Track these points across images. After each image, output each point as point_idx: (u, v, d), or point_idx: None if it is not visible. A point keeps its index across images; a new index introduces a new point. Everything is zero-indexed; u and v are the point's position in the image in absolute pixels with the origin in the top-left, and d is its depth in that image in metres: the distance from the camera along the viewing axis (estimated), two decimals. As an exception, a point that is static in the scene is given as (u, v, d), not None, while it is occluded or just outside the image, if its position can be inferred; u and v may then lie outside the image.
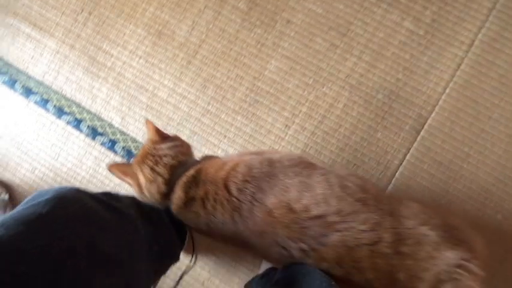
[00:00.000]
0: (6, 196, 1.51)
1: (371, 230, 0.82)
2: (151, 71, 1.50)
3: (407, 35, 1.39)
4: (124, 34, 1.52)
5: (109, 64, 1.52)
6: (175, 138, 1.09)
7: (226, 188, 0.91)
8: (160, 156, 1.01)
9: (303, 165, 0.96)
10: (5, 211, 1.48)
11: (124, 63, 1.51)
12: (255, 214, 0.87)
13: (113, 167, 1.03)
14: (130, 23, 1.52)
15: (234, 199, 0.89)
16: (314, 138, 1.40)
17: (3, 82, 1.56)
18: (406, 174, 1.35)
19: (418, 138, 1.36)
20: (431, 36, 1.38)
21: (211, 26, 1.48)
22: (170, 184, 0.98)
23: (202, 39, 1.48)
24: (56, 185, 1.52)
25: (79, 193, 0.81)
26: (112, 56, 1.52)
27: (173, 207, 0.99)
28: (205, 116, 1.46)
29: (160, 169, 0.99)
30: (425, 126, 1.36)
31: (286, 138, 1.42)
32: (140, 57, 1.51)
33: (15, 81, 1.56)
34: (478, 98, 1.34)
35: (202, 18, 1.48)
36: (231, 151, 1.44)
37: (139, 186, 1.01)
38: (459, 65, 1.36)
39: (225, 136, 1.45)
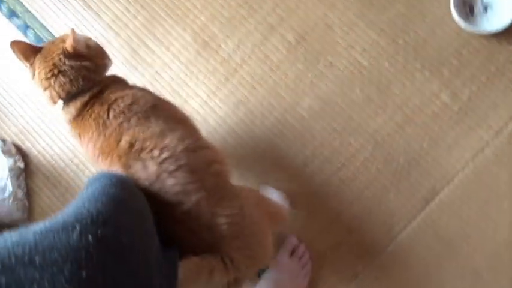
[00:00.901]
0: (22, 164, 1.54)
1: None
2: (188, 78, 1.52)
3: (441, 107, 1.42)
4: (170, 35, 1.54)
5: (149, 60, 1.54)
6: (88, 57, 1.04)
7: (107, 111, 0.99)
8: (61, 72, 1.01)
9: (180, 122, 1.04)
10: (18, 179, 1.52)
11: (164, 63, 1.54)
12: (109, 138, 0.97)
13: (16, 45, 1.04)
14: (179, 26, 1.54)
15: (107, 122, 0.98)
16: (328, 183, 1.44)
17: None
18: (407, 241, 1.40)
19: (427, 209, 1.41)
20: (464, 114, 1.41)
21: (256, 50, 1.50)
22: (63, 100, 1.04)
23: (245, 60, 1.50)
24: (72, 166, 1.55)
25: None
26: (154, 53, 1.55)
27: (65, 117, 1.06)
28: (230, 135, 1.50)
29: (55, 86, 1.01)
30: (436, 199, 1.40)
31: (303, 176, 1.46)
32: (181, 62, 1.53)
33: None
34: (493, 185, 1.39)
35: (249, 40, 1.51)
36: (249, 175, 1.48)
37: (33, 78, 1.05)
38: (483, 149, 1.40)
39: (244, 159, 1.48)
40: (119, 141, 0.95)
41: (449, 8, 1.39)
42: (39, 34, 1.59)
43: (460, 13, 1.39)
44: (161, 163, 0.91)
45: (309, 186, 1.46)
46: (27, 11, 1.61)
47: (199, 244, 0.90)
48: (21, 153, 1.57)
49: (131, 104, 1.00)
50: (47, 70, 1.01)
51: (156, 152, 0.92)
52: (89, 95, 1.02)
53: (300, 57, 1.48)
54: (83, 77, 1.02)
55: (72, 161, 1.55)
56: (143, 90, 1.11)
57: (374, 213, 1.43)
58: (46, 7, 1.60)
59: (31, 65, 1.04)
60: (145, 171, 0.91)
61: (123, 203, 0.73)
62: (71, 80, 1.01)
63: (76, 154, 1.56)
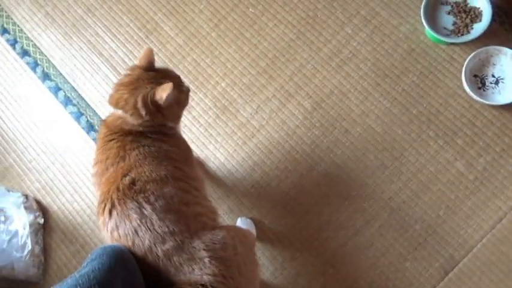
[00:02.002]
0: (41, 220, 1.57)
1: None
2: (207, 141, 1.58)
3: (456, 176, 1.43)
4: (192, 99, 1.61)
5: (170, 123, 1.61)
6: (158, 113, 1.09)
7: (133, 149, 1.07)
8: (132, 99, 1.07)
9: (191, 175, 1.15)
10: (36, 234, 1.54)
11: (185, 126, 1.60)
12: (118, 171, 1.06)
13: (150, 52, 1.11)
14: (200, 92, 1.62)
15: (126, 157, 1.07)
16: (344, 250, 1.43)
17: (71, 113, 1.67)
18: (426, 314, 1.35)
19: (446, 279, 1.37)
20: (480, 183, 1.42)
21: (273, 115, 1.56)
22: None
23: (263, 125, 1.56)
24: (90, 223, 1.58)
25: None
26: (175, 116, 1.61)
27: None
28: (246, 197, 1.52)
29: (117, 95, 1.09)
30: (455, 270, 1.37)
31: (318, 241, 1.45)
32: (201, 125, 1.59)
33: (81, 114, 1.66)
34: (513, 257, 1.36)
35: (267, 106, 1.57)
36: (263, 237, 1.47)
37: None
38: (501, 219, 1.39)
39: (260, 221, 1.49)
40: (124, 176, 1.01)
41: (461, 79, 1.45)
42: (69, 95, 1.69)
43: (472, 86, 1.44)
44: (154, 208, 0.98)
45: (325, 252, 1.44)
46: (60, 74, 1.71)
47: (180, 280, 0.94)
48: (42, 208, 1.61)
49: (154, 152, 1.07)
50: (128, 85, 1.07)
51: (152, 198, 0.99)
52: (130, 128, 1.08)
53: (316, 124, 1.53)
54: (137, 116, 1.07)
55: (90, 218, 1.58)
56: (180, 146, 1.18)
57: (391, 282, 1.40)
58: (76, 70, 1.71)
59: (132, 68, 1.11)
60: (138, 212, 0.97)
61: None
62: (128, 107, 1.07)
63: (94, 211, 1.59)
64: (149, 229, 0.96)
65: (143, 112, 1.05)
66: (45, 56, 1.74)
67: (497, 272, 1.36)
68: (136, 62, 1.12)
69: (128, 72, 1.10)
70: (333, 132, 1.52)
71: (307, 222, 1.47)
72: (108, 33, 1.71)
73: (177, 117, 1.18)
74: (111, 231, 1.00)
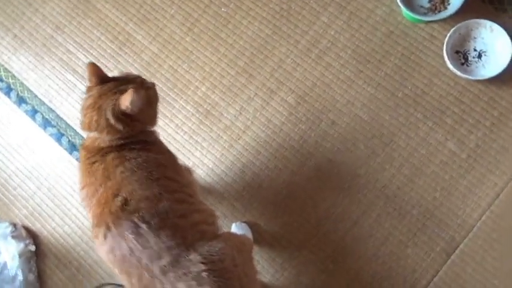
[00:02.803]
0: (33, 247, 1.53)
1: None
2: (193, 148, 1.54)
3: (449, 156, 1.40)
4: (173, 107, 1.58)
5: (154, 134, 1.57)
6: (133, 120, 1.05)
7: (118, 166, 1.03)
8: (100, 116, 1.03)
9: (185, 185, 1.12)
10: (29, 262, 1.50)
11: (168, 135, 1.56)
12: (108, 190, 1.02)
13: (92, 67, 1.06)
14: (181, 99, 1.58)
15: (112, 175, 1.03)
16: (343, 243, 1.40)
17: (51, 135, 1.63)
18: (432, 299, 1.33)
19: (448, 262, 1.35)
20: (473, 160, 1.39)
21: (258, 115, 1.52)
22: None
23: (248, 125, 1.52)
24: (83, 244, 1.54)
25: None
26: (158, 126, 1.57)
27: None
28: (238, 201, 1.49)
29: (87, 120, 1.05)
30: (457, 251, 1.35)
31: (317, 237, 1.42)
32: (185, 133, 1.55)
33: (62, 135, 1.62)
34: (514, 232, 1.34)
35: (250, 106, 1.53)
36: (259, 239, 1.44)
37: (83, 99, 1.07)
38: (498, 195, 1.36)
39: (255, 224, 1.46)
40: (115, 196, 0.98)
41: (443, 57, 1.42)
42: (47, 117, 1.64)
43: (455, 62, 1.41)
44: (149, 226, 0.95)
45: (324, 247, 1.41)
46: (35, 96, 1.67)
47: None
48: (32, 235, 1.57)
49: (142, 163, 1.03)
50: (93, 106, 1.02)
51: (147, 216, 0.95)
52: (109, 144, 1.04)
53: (301, 118, 1.50)
54: (114, 132, 1.03)
55: (82, 239, 1.54)
56: (163, 151, 1.15)
57: (394, 270, 1.37)
58: (52, 90, 1.66)
59: (89, 89, 1.06)
60: (134, 231, 0.94)
61: None
62: (101, 127, 1.02)
63: (85, 231, 1.55)
64: (145, 247, 0.93)
65: (120, 127, 1.01)
66: (18, 80, 1.69)
67: (500, 248, 1.33)
68: (88, 83, 1.07)
69: (87, 94, 1.05)
70: (320, 125, 1.49)
71: (304, 219, 1.44)
72: (80, 49, 1.66)
73: (154, 117, 1.13)
74: (107, 253, 0.97)
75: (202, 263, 0.93)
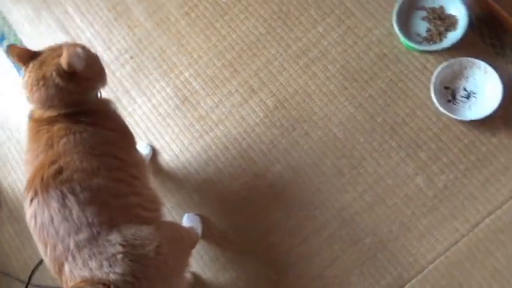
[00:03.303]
0: (-12, 195, 1.54)
1: None
2: (164, 131, 1.53)
3: (415, 191, 1.35)
4: (154, 87, 1.57)
5: (130, 109, 1.56)
6: (80, 78, 1.03)
7: (62, 137, 1.01)
8: (45, 86, 1.01)
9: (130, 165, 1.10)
10: (-19, 209, 1.51)
11: (143, 113, 1.55)
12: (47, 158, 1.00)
13: (13, 49, 1.04)
14: (163, 80, 1.57)
15: (55, 145, 1.01)
16: (287, 257, 1.37)
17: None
18: (364, 333, 1.28)
19: (390, 299, 1.30)
20: (439, 201, 1.34)
21: (234, 111, 1.50)
22: None
23: (222, 119, 1.50)
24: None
25: None
26: (136, 102, 1.57)
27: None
28: (196, 192, 1.46)
29: (35, 95, 1.02)
30: (402, 290, 1.30)
31: (262, 245, 1.39)
32: (160, 114, 1.54)
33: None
34: (464, 282, 1.27)
35: (229, 100, 1.51)
36: (206, 234, 1.42)
37: (23, 78, 1.04)
38: (457, 241, 1.31)
39: (207, 219, 1.43)
40: (52, 164, 0.96)
41: (431, 90, 1.37)
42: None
43: (441, 98, 1.36)
44: (77, 199, 0.93)
45: (269, 258, 1.38)
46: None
47: (83, 277, 0.89)
48: (-9, 184, 1.58)
49: (87, 138, 1.02)
50: (35, 79, 1.01)
51: (77, 189, 0.94)
52: (58, 113, 1.02)
53: (276, 123, 1.47)
54: (63, 98, 1.02)
55: (37, 199, 1.54)
56: (116, 128, 1.13)
57: (334, 296, 1.33)
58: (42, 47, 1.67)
59: (25, 68, 1.04)
60: (60, 201, 0.92)
61: None
62: (49, 97, 1.01)
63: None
64: (66, 219, 0.92)
65: (70, 85, 1.00)
66: (13, 30, 1.70)
67: (446, 297, 1.28)
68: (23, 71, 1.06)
69: (27, 74, 1.03)
70: (293, 133, 1.45)
71: (255, 224, 1.41)
72: (78, 12, 1.67)
73: (101, 75, 1.10)
74: (29, 218, 0.96)
75: (121, 245, 0.91)
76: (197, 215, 1.43)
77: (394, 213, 1.35)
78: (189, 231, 1.29)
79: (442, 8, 1.39)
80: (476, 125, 1.36)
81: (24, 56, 1.04)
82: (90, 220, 0.92)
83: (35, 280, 1.48)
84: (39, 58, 1.03)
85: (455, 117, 1.33)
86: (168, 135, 1.52)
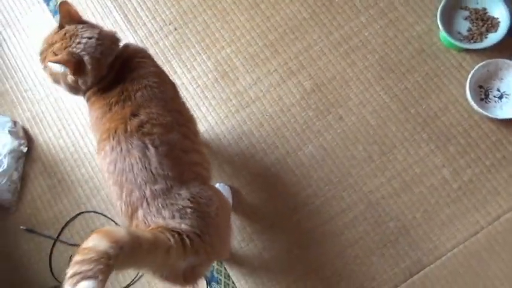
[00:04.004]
0: (25, 149, 1.58)
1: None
2: (201, 102, 1.57)
3: (441, 182, 1.41)
4: (195, 60, 1.61)
5: (169, 79, 1.60)
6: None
7: (137, 90, 1.05)
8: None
9: (189, 120, 1.15)
10: (17, 161, 1.55)
11: (182, 83, 1.59)
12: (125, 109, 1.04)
13: (65, 5, 1.06)
14: (204, 53, 1.61)
15: (132, 95, 1.05)
16: (312, 234, 1.42)
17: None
18: (382, 310, 1.34)
19: (409, 281, 1.35)
20: (463, 193, 1.39)
21: (271, 90, 1.55)
22: None
23: (259, 96, 1.55)
24: (71, 160, 1.58)
25: None
26: (176, 73, 1.61)
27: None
28: (228, 164, 1.51)
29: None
30: (421, 273, 1.36)
31: (290, 221, 1.44)
32: (198, 86, 1.59)
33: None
34: (481, 272, 1.34)
35: (267, 79, 1.56)
36: (236, 207, 1.47)
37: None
38: (477, 233, 1.37)
39: (237, 190, 1.48)
40: (134, 116, 1.00)
41: (465, 88, 1.42)
42: None
43: (475, 95, 1.42)
44: (157, 152, 0.97)
45: (296, 232, 1.43)
46: None
47: (158, 223, 0.93)
48: (28, 138, 1.62)
49: (158, 93, 1.06)
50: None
51: (157, 141, 0.98)
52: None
53: (312, 105, 1.52)
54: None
55: (72, 156, 1.59)
56: (168, 80, 1.17)
57: (354, 273, 1.38)
58: (88, 10, 1.71)
59: (60, 28, 1.07)
60: (141, 151, 0.97)
61: None
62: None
63: (77, 149, 1.59)
64: (145, 168, 0.96)
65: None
66: (61, -9, 1.74)
67: (462, 284, 1.34)
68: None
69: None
70: (327, 116, 1.50)
71: (283, 200, 1.46)
72: (126, -20, 1.70)
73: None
74: (109, 164, 0.99)
75: (190, 200, 0.96)
76: (228, 185, 1.48)
77: (419, 201, 1.40)
78: (227, 200, 1.34)
79: (485, 9, 1.45)
80: (505, 124, 1.41)
81: (70, 19, 1.07)
82: (166, 173, 0.96)
83: (63, 237, 1.53)
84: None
85: (487, 114, 1.39)
86: (205, 107, 1.57)
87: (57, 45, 1.03)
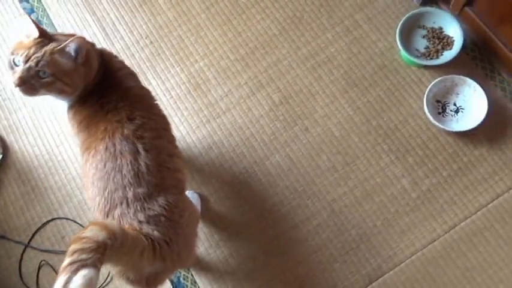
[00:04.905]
0: (0, 156, 1.61)
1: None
2: (174, 113, 1.63)
3: (400, 192, 1.47)
4: (169, 72, 1.67)
5: (144, 90, 1.66)
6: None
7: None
8: None
9: (167, 129, 1.17)
10: (-9, 167, 1.58)
11: (156, 94, 1.63)
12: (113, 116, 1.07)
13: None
14: (178, 66, 1.67)
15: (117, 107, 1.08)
16: (277, 241, 1.46)
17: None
18: (342, 315, 1.38)
19: (369, 287, 1.40)
20: (421, 202, 1.46)
21: (241, 101, 1.61)
22: None
23: (229, 108, 1.61)
24: (45, 168, 1.62)
25: None
26: (150, 84, 1.67)
27: None
28: (198, 172, 1.56)
29: None
30: (380, 280, 1.40)
31: (256, 227, 1.48)
32: (172, 97, 1.65)
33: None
34: (437, 278, 1.39)
35: (238, 91, 1.62)
36: (204, 213, 1.51)
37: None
38: (434, 240, 1.42)
39: (206, 198, 1.53)
40: (130, 120, 1.04)
41: (423, 102, 1.50)
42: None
43: (432, 109, 1.49)
44: (147, 156, 1.01)
45: (260, 239, 1.48)
46: (52, 24, 1.78)
47: (133, 225, 0.97)
48: (3, 145, 1.65)
49: (147, 99, 1.13)
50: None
51: (148, 145, 1.03)
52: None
53: (279, 117, 1.58)
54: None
55: (46, 164, 1.62)
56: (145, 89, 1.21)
57: (317, 279, 1.42)
58: (68, 23, 1.77)
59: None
60: (133, 155, 1.01)
61: None
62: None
63: (51, 157, 1.63)
64: (134, 170, 0.99)
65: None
66: (42, 5, 1.80)
67: (420, 290, 1.38)
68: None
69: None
70: (294, 128, 1.57)
71: (250, 207, 1.51)
72: (105, -5, 1.78)
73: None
74: (99, 161, 1.02)
75: (165, 208, 0.99)
76: (197, 193, 1.52)
77: (380, 210, 1.46)
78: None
79: (441, 28, 1.54)
80: (461, 137, 1.49)
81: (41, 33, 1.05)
82: (150, 178, 1.00)
83: (34, 243, 1.55)
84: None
85: (444, 127, 1.46)
86: (178, 117, 1.62)
87: (50, 47, 1.00)
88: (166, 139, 1.11)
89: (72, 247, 0.75)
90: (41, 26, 1.04)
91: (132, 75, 1.17)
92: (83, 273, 0.72)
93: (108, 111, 1.06)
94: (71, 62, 1.01)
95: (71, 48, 1.00)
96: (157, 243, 0.95)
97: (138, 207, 0.98)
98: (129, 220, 0.97)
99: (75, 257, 0.73)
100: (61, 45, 0.99)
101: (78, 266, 0.72)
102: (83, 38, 1.02)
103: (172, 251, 0.99)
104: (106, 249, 0.77)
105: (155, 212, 0.98)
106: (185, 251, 1.08)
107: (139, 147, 1.02)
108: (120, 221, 0.98)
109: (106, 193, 1.00)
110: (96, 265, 0.74)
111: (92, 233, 0.78)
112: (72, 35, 1.04)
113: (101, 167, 1.01)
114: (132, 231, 0.93)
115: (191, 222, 1.11)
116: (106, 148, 1.02)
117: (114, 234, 0.80)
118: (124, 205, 0.98)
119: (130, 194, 0.98)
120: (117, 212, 0.98)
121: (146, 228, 0.96)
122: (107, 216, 0.99)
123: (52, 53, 0.98)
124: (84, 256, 0.73)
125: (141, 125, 1.04)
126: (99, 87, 1.09)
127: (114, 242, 0.79)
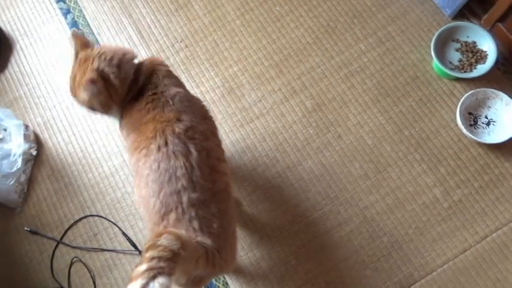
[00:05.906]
0: (35, 152, 1.63)
1: None
2: (208, 116, 1.65)
3: (432, 201, 1.49)
4: (203, 75, 1.70)
5: (178, 92, 1.69)
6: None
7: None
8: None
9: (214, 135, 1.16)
10: (26, 164, 1.60)
11: (190, 98, 1.68)
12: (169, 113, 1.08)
13: (78, 37, 1.09)
14: (213, 70, 1.70)
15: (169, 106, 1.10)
16: (309, 246, 1.48)
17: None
18: (374, 321, 1.39)
19: (400, 295, 1.41)
20: (453, 212, 1.47)
21: (275, 107, 1.64)
22: None
23: (263, 113, 1.64)
24: (79, 165, 1.64)
25: None
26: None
27: None
28: (232, 176, 1.58)
29: None
30: (411, 288, 1.42)
31: (288, 232, 1.50)
32: (206, 101, 1.67)
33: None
34: (469, 288, 1.40)
35: (271, 97, 1.65)
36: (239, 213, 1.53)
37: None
38: (465, 250, 1.44)
39: (238, 201, 1.54)
40: (179, 120, 1.05)
41: (455, 113, 1.52)
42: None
43: (464, 121, 1.52)
44: (198, 158, 1.01)
45: (293, 243, 1.49)
46: (88, 25, 1.81)
47: (188, 232, 0.96)
48: (38, 142, 1.67)
49: (189, 97, 1.15)
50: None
51: (199, 147, 1.03)
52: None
53: (312, 123, 1.61)
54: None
55: (80, 161, 1.64)
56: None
57: (348, 286, 1.43)
58: (104, 25, 1.80)
59: (77, 54, 1.11)
60: (185, 156, 1.01)
61: None
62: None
63: (85, 155, 1.65)
64: (188, 173, 0.99)
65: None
66: (79, 6, 1.84)
67: (451, 299, 1.40)
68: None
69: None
70: (327, 134, 1.59)
71: (283, 212, 1.52)
72: (142, -1, 1.82)
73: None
74: (153, 161, 1.01)
75: (216, 216, 1.00)
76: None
77: (412, 218, 1.48)
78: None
79: (474, 42, 1.57)
80: (492, 149, 1.51)
81: (84, 45, 1.11)
82: (203, 183, 1.00)
83: (66, 239, 1.56)
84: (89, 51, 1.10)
85: (476, 139, 1.49)
86: (211, 120, 1.65)
87: (78, 75, 1.08)
88: (215, 142, 1.12)
89: (150, 253, 0.77)
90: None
91: (177, 80, 1.19)
92: (161, 281, 0.74)
93: (156, 114, 1.07)
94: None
95: (85, 88, 1.05)
96: (210, 252, 0.96)
97: (193, 214, 0.98)
98: (185, 226, 0.97)
99: (153, 263, 0.75)
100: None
101: (155, 273, 0.74)
102: (90, 79, 1.03)
103: (222, 258, 1.00)
104: (180, 259, 0.79)
105: (208, 220, 0.99)
106: (231, 258, 1.09)
107: (191, 147, 1.02)
108: (175, 226, 0.98)
109: (161, 196, 0.99)
110: (171, 274, 0.76)
111: (168, 242, 0.79)
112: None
113: (155, 168, 1.01)
114: (191, 239, 0.94)
115: (235, 228, 1.12)
116: (159, 147, 1.02)
117: (185, 244, 0.82)
118: (180, 210, 0.98)
119: (185, 199, 0.98)
120: (172, 216, 0.98)
121: (201, 237, 0.97)
122: (162, 219, 0.99)
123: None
124: (162, 264, 0.76)
125: (190, 127, 1.05)
126: (145, 93, 1.10)
127: (185, 253, 0.81)
